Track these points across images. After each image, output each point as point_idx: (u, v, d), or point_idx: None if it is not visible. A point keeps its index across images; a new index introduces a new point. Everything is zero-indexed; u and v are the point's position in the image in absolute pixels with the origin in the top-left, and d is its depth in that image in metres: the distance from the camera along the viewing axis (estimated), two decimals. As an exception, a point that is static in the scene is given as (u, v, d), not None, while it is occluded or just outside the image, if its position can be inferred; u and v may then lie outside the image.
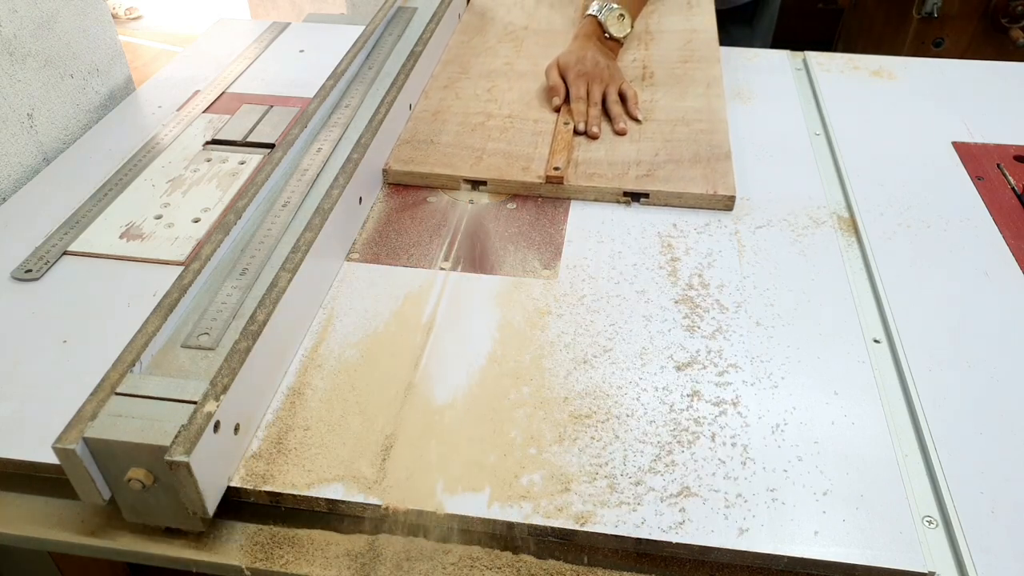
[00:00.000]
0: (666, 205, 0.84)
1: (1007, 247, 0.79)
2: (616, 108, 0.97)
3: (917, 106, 1.02)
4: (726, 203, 0.83)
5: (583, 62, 1.00)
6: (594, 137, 0.93)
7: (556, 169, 0.85)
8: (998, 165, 0.91)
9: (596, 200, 0.85)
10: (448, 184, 0.87)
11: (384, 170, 0.88)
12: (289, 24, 1.27)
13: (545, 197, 0.86)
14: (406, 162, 0.88)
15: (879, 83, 1.08)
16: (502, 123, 0.96)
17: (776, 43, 1.27)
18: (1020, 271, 0.76)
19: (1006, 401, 0.63)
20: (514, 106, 0.99)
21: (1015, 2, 1.69)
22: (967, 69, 1.11)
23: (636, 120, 0.96)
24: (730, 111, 0.99)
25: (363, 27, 1.07)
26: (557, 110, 0.98)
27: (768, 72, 1.11)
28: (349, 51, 0.99)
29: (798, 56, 1.16)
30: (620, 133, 0.94)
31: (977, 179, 0.89)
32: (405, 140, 0.92)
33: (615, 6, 1.06)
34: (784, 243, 0.80)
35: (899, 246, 0.79)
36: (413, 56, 1.00)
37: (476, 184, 0.87)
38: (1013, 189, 0.87)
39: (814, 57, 1.14)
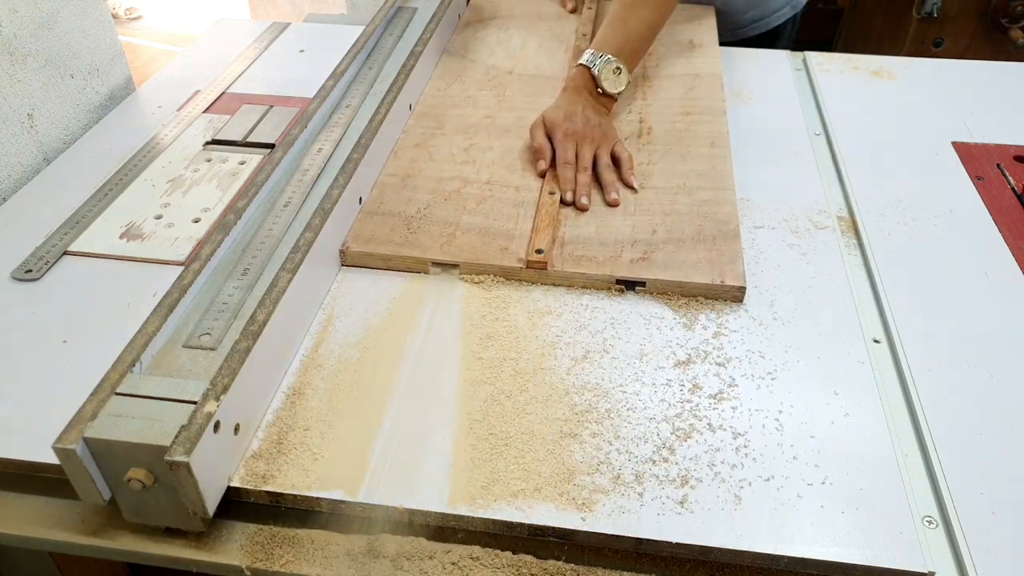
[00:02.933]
0: (664, 294, 0.73)
1: (1007, 247, 0.79)
2: (608, 175, 0.85)
3: (917, 106, 1.02)
4: (735, 295, 0.72)
5: (572, 120, 0.88)
6: (583, 209, 0.81)
7: (539, 252, 0.74)
8: (998, 165, 0.91)
9: (584, 288, 0.74)
10: (415, 267, 0.75)
11: (341, 251, 0.76)
12: (289, 24, 1.27)
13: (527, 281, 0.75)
14: (367, 241, 0.77)
15: (879, 83, 1.08)
16: (480, 191, 0.84)
17: (776, 43, 1.26)
18: (1020, 271, 0.76)
19: (1006, 401, 0.63)
20: (494, 169, 0.87)
21: (1015, 2, 1.69)
22: (967, 69, 1.11)
23: (631, 188, 0.84)
24: (730, 111, 0.98)
25: (363, 27, 1.07)
26: (542, 175, 0.86)
27: (768, 72, 1.11)
28: (349, 51, 0.99)
29: (798, 56, 1.16)
30: (612, 204, 0.82)
31: (977, 179, 0.89)
32: (369, 211, 0.81)
33: (611, 57, 0.92)
34: (784, 243, 0.80)
35: (899, 246, 0.79)
36: (413, 56, 1.00)
37: (447, 267, 0.75)
38: (1013, 189, 0.87)
39: (814, 57, 1.14)
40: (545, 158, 0.87)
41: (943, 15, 1.73)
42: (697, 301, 0.72)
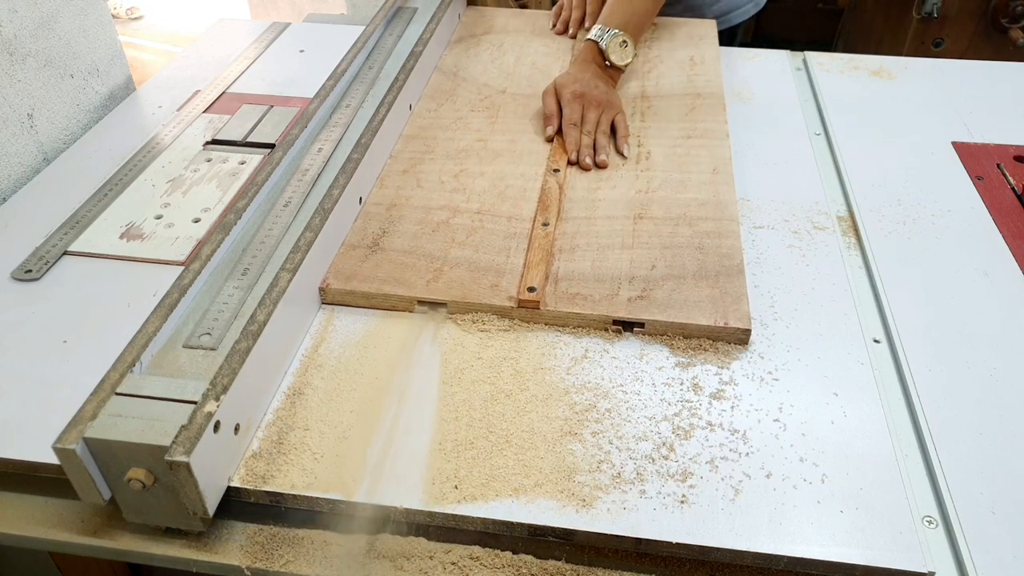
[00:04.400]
0: (665, 335, 0.69)
1: (1007, 247, 0.79)
2: (603, 139, 0.90)
3: (917, 106, 1.02)
4: (739, 337, 0.67)
5: (580, 82, 0.94)
6: (586, 168, 0.86)
7: (531, 290, 0.70)
8: (998, 165, 0.91)
9: (579, 328, 0.70)
10: (399, 306, 0.71)
11: (321, 289, 0.72)
12: (289, 24, 1.27)
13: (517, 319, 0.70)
14: (348, 278, 0.72)
15: (879, 83, 1.08)
16: (470, 221, 0.79)
17: (776, 43, 1.26)
18: (1020, 271, 0.76)
19: (1006, 401, 0.63)
20: (485, 198, 0.83)
21: (1015, 2, 1.69)
22: (967, 69, 1.11)
23: (622, 155, 0.88)
24: (730, 111, 0.99)
25: (363, 27, 1.07)
26: (550, 140, 0.91)
27: (768, 72, 1.11)
28: (349, 51, 0.99)
29: (798, 56, 1.16)
30: (600, 166, 0.87)
31: (977, 179, 0.89)
32: (351, 244, 0.76)
33: (617, 31, 0.98)
34: (784, 243, 0.80)
35: (899, 246, 0.79)
36: (413, 56, 1.00)
37: (434, 305, 0.71)
38: (1013, 189, 0.87)
39: (814, 57, 1.14)
40: (554, 124, 0.92)
41: (943, 15, 1.73)
42: (700, 346, 0.68)
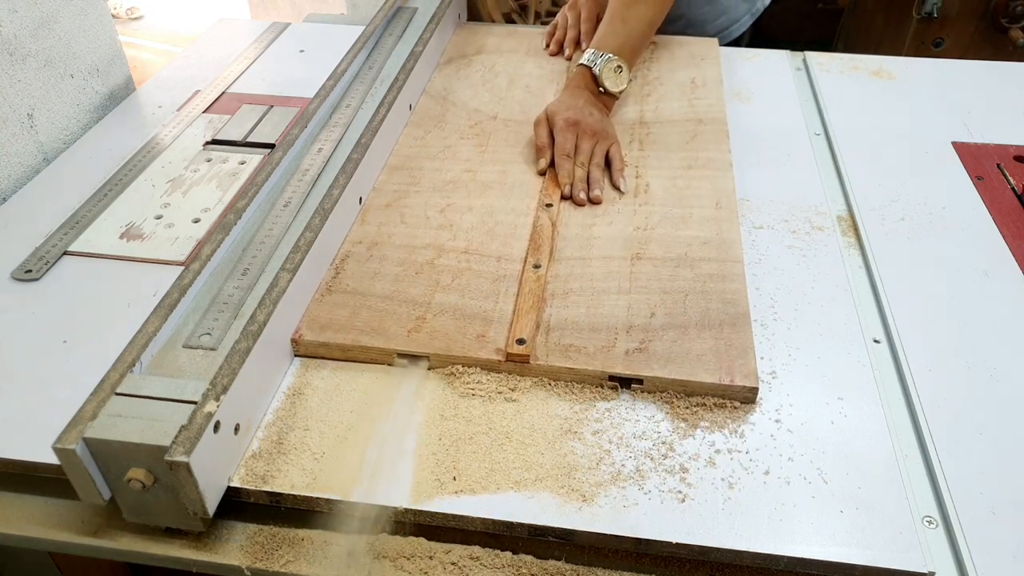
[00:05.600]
0: (664, 392, 0.63)
1: (1007, 247, 0.79)
2: (597, 172, 0.85)
3: (917, 106, 1.02)
4: (745, 395, 0.62)
5: (573, 110, 0.88)
6: (580, 204, 0.81)
7: (520, 342, 0.65)
8: (998, 165, 0.91)
9: (572, 383, 0.64)
10: (378, 358, 0.66)
11: (293, 340, 0.66)
12: (289, 24, 1.27)
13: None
14: (323, 328, 0.67)
15: (879, 83, 1.08)
16: (456, 262, 0.74)
17: (776, 43, 1.26)
18: (1020, 271, 0.76)
19: (1006, 401, 0.63)
20: (473, 235, 0.78)
21: (1015, 2, 1.69)
22: (967, 69, 1.11)
23: (618, 190, 0.83)
24: (730, 111, 0.98)
25: (363, 27, 1.07)
26: (542, 173, 0.86)
27: (768, 72, 1.11)
28: (349, 51, 0.99)
29: (798, 56, 1.16)
30: (594, 201, 0.81)
31: (977, 179, 0.89)
32: (328, 288, 0.71)
33: (611, 56, 0.93)
34: (784, 243, 0.80)
35: (899, 246, 0.79)
36: (413, 56, 1.00)
37: (415, 358, 0.66)
38: (1013, 189, 0.87)
39: (814, 57, 1.14)
40: (546, 157, 0.87)
41: (943, 15, 1.73)
42: (703, 405, 0.62)
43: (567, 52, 1.12)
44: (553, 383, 0.64)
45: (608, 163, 0.87)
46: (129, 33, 2.99)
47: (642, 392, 0.63)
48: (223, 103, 1.04)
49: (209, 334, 0.61)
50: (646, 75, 1.06)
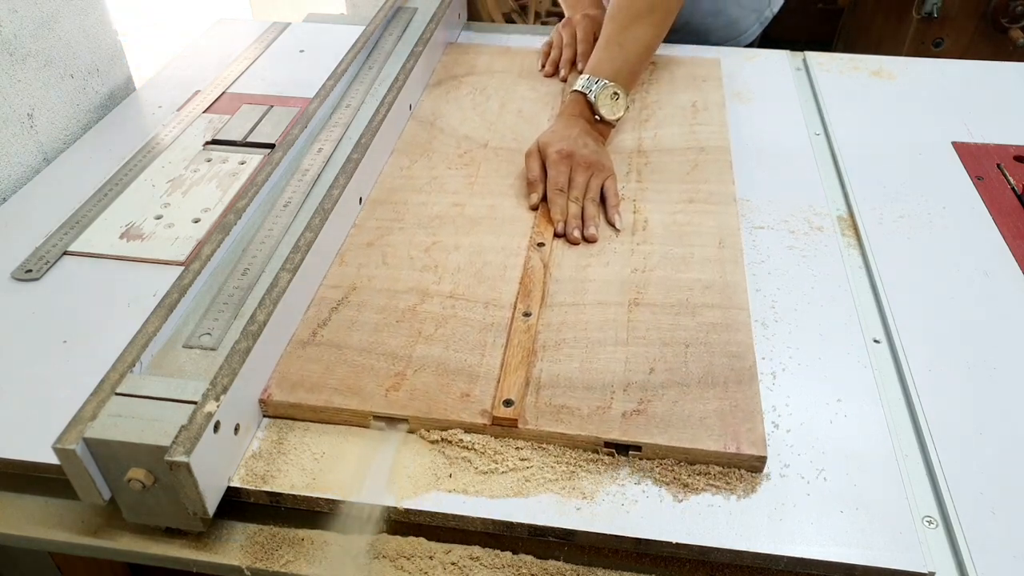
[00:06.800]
0: (664, 459, 0.58)
1: (1007, 247, 0.79)
2: (592, 208, 0.79)
3: (917, 106, 1.02)
4: (752, 464, 0.57)
5: (567, 140, 0.83)
6: (574, 243, 0.76)
7: (508, 404, 0.59)
8: (998, 165, 0.91)
9: (565, 448, 0.59)
10: (353, 420, 0.60)
11: (261, 401, 0.61)
12: (289, 24, 1.27)
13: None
14: (293, 386, 0.61)
15: (879, 83, 1.08)
16: (441, 308, 0.69)
17: (776, 43, 1.26)
18: (1020, 271, 0.76)
19: (1006, 401, 0.63)
20: (459, 277, 0.72)
21: (1015, 2, 1.69)
22: (967, 69, 1.11)
23: (612, 226, 0.78)
24: (730, 111, 0.98)
25: (363, 27, 1.07)
26: (534, 209, 0.81)
27: (768, 72, 1.11)
28: (349, 51, 0.99)
29: (798, 56, 1.16)
30: (589, 240, 0.76)
31: (977, 179, 0.89)
32: (301, 340, 0.65)
33: (607, 82, 0.88)
34: (784, 243, 0.80)
35: (899, 246, 0.79)
36: (413, 56, 1.00)
37: (393, 421, 0.60)
38: (1013, 189, 0.87)
39: (814, 57, 1.14)
40: (538, 191, 0.82)
41: (943, 15, 1.74)
42: (706, 474, 0.57)
43: (562, 73, 1.06)
44: (544, 447, 0.59)
45: (603, 198, 0.82)
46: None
47: (640, 460, 0.58)
48: (223, 103, 1.04)
49: (209, 334, 0.61)
50: (644, 98, 1.01)
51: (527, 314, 0.68)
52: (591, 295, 0.71)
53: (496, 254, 0.76)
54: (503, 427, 0.59)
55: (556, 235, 0.77)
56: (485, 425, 0.59)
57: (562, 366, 0.64)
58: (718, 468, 0.57)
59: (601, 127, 0.89)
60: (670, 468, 0.57)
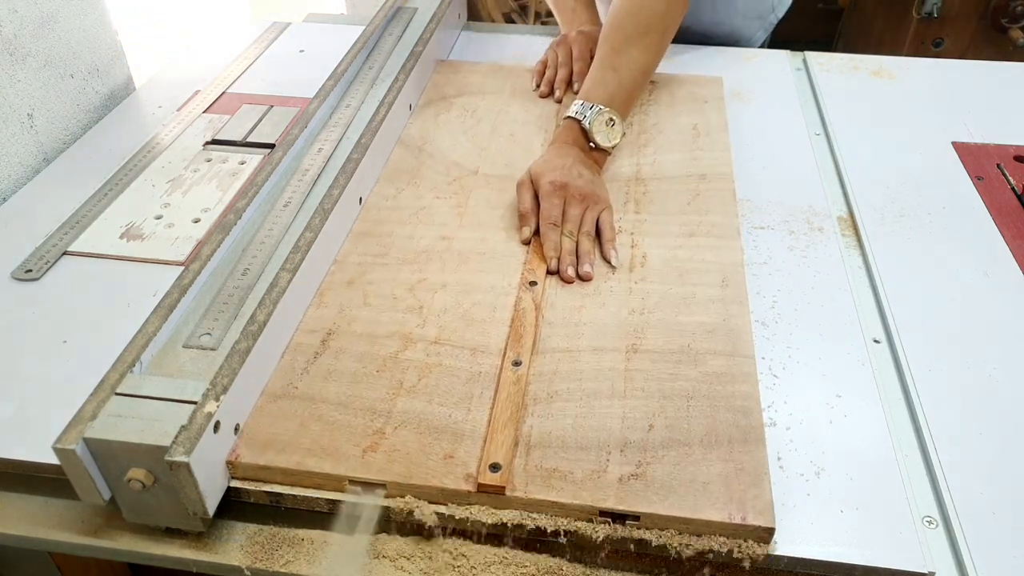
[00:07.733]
0: (665, 530, 0.53)
1: (1007, 247, 0.79)
2: (587, 243, 0.75)
3: (917, 106, 1.02)
4: (760, 535, 0.52)
5: (560, 170, 0.79)
6: (568, 281, 0.72)
7: (494, 468, 0.55)
8: (998, 165, 0.91)
9: (556, 517, 0.54)
10: (326, 484, 0.56)
11: (229, 463, 0.56)
12: (289, 24, 1.27)
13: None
14: (264, 446, 0.57)
15: (879, 83, 1.08)
16: (425, 356, 0.64)
17: (776, 43, 1.26)
18: (1020, 271, 0.76)
19: (1006, 401, 0.63)
20: (445, 320, 0.68)
21: (1015, 2, 1.69)
22: (967, 69, 1.11)
23: (609, 264, 0.74)
24: (730, 111, 0.98)
25: (363, 27, 1.07)
26: (526, 243, 0.76)
27: (768, 72, 1.11)
28: (349, 51, 0.99)
29: (798, 56, 1.16)
30: (584, 278, 0.72)
31: (977, 179, 0.89)
32: (273, 393, 0.61)
33: (602, 108, 0.84)
34: (784, 243, 0.80)
35: (899, 246, 0.79)
36: (413, 56, 1.00)
37: (370, 486, 0.56)
38: (1013, 189, 0.87)
39: (814, 57, 1.14)
40: (530, 225, 0.77)
41: (943, 15, 1.74)
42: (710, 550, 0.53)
43: (557, 94, 1.01)
44: (533, 515, 0.54)
45: (598, 232, 0.77)
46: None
47: (638, 528, 0.53)
48: (223, 103, 1.04)
49: (209, 334, 0.61)
50: (643, 120, 0.96)
51: (517, 363, 0.63)
52: (586, 340, 0.66)
53: (485, 293, 0.71)
54: (489, 495, 0.54)
55: (549, 272, 0.73)
56: (469, 492, 0.54)
57: (554, 422, 0.59)
58: (722, 539, 0.53)
59: (596, 155, 0.85)
60: (668, 540, 0.53)
